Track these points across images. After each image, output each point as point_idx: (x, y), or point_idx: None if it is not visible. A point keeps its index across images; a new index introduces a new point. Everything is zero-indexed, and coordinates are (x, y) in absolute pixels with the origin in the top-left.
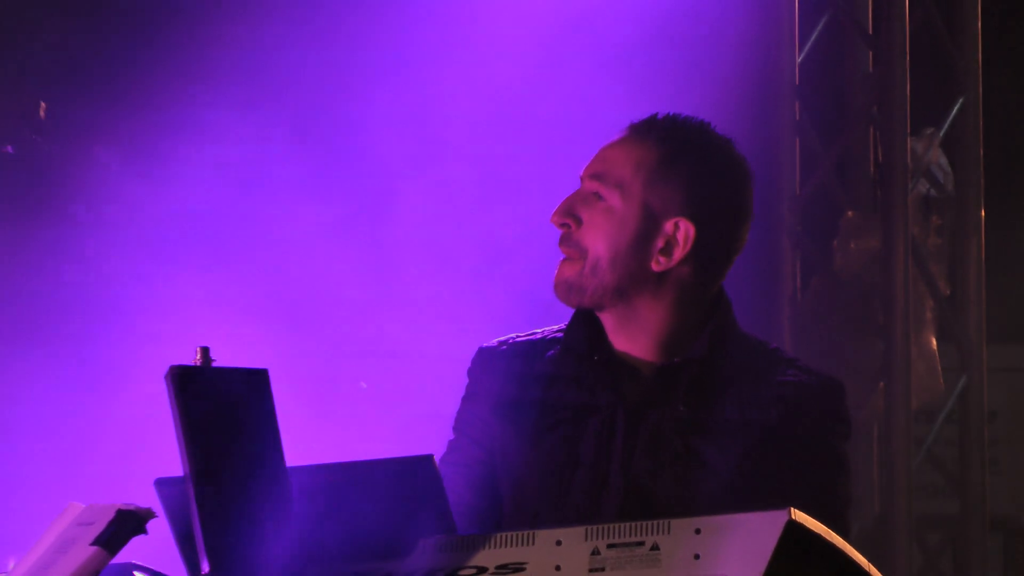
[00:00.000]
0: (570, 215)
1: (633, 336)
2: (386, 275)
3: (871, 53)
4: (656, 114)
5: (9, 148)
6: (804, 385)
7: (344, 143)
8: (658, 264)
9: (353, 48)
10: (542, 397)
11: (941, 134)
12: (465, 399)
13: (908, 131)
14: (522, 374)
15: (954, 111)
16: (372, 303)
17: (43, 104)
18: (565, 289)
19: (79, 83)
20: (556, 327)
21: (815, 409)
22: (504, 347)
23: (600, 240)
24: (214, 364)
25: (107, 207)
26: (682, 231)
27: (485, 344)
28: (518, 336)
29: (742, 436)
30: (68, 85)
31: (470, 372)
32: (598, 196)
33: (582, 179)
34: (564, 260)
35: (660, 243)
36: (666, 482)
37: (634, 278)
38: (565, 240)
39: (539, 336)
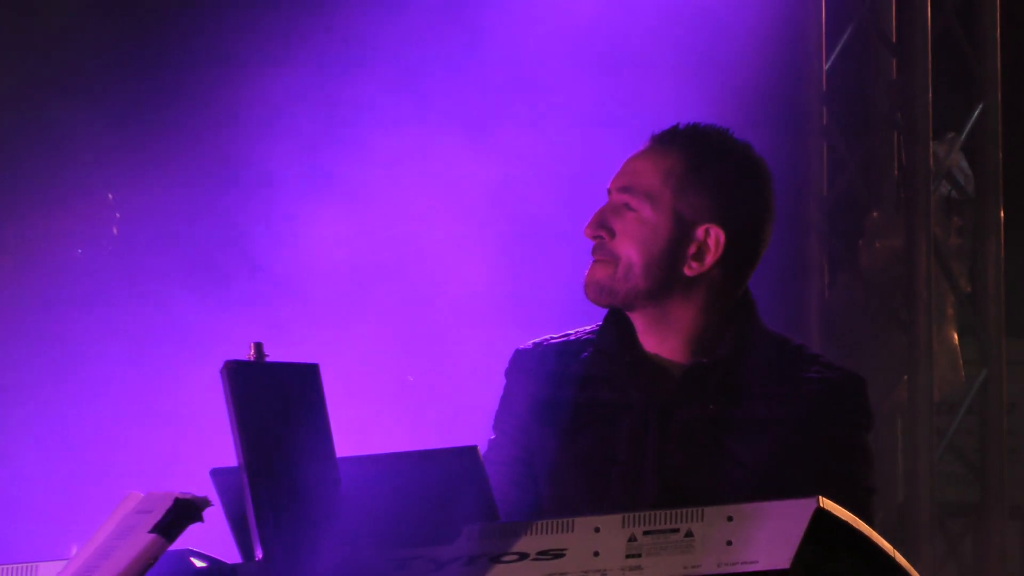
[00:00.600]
0: (603, 227)
1: (663, 337)
2: (433, 273)
3: (895, 61)
4: (678, 124)
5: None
6: (828, 381)
7: (390, 142)
8: (691, 269)
9: (381, 42)
10: (576, 397)
11: (962, 138)
12: (503, 399)
13: (930, 135)
14: (556, 374)
15: (974, 116)
16: (420, 301)
17: None
18: (596, 290)
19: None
20: (588, 328)
21: (838, 404)
22: (538, 349)
23: (633, 248)
24: (267, 359)
25: (164, 210)
26: (713, 236)
27: (521, 346)
28: (551, 338)
29: (769, 431)
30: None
31: (507, 373)
32: (628, 207)
33: (610, 192)
34: (596, 262)
35: (692, 249)
36: (697, 477)
37: (667, 283)
38: (599, 250)
39: (572, 337)
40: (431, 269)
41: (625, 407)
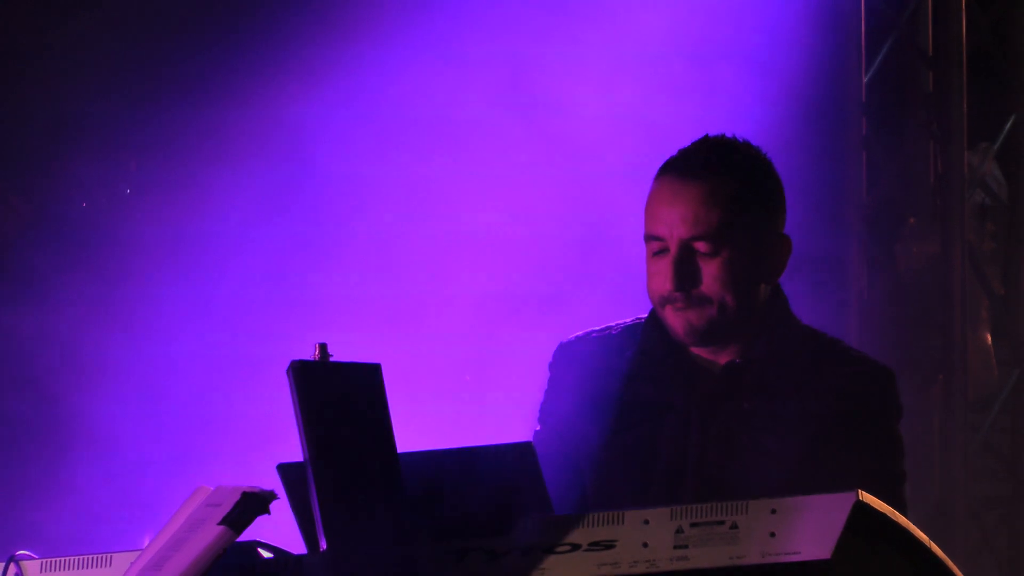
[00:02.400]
0: (688, 280)
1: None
2: (488, 278)
3: (931, 74)
4: (705, 153)
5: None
6: (859, 374)
7: (445, 144)
8: (770, 283)
9: (440, 49)
10: (621, 394)
11: (995, 148)
12: (548, 392)
13: (965, 145)
14: (600, 370)
15: (1007, 127)
16: (476, 304)
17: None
18: (692, 334)
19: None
20: (628, 321)
21: (869, 396)
22: (581, 343)
23: (726, 292)
24: (331, 359)
25: (234, 216)
26: (783, 247)
27: (564, 340)
28: (593, 332)
29: (804, 425)
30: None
31: (551, 367)
32: (703, 254)
33: (664, 237)
34: (687, 308)
35: (769, 267)
36: (736, 472)
37: (753, 306)
38: (686, 299)
39: (615, 332)
40: (482, 270)
41: (668, 407)
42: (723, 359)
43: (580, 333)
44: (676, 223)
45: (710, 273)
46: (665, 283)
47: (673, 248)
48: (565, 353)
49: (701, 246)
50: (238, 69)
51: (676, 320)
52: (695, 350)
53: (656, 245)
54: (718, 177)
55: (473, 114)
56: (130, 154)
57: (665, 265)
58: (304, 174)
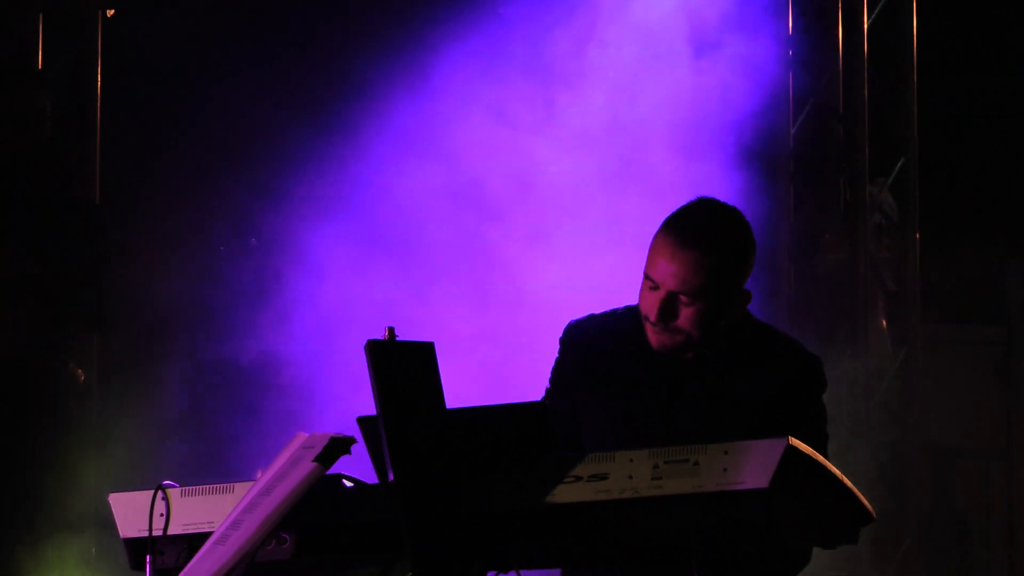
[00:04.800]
0: (668, 317)
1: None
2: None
3: (842, 127)
4: (703, 221)
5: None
6: (797, 360)
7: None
8: (731, 319)
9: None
10: (610, 368)
11: (889, 182)
12: (557, 361)
13: (867, 180)
14: (597, 348)
15: (898, 166)
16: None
17: None
18: (662, 349)
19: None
20: (622, 308)
21: (803, 377)
22: (584, 324)
23: (695, 329)
24: (398, 339)
25: (339, 217)
26: (745, 296)
27: (573, 319)
28: (595, 314)
29: (754, 399)
30: None
31: (561, 340)
32: (684, 303)
33: (657, 283)
34: (663, 332)
35: (731, 310)
36: (700, 433)
37: (714, 335)
38: (664, 329)
39: (610, 317)
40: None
41: (647, 381)
42: (691, 351)
43: (585, 315)
44: (668, 278)
45: (686, 315)
46: (651, 311)
47: (662, 293)
48: (571, 330)
49: (683, 298)
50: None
51: (653, 337)
52: None
53: (651, 283)
54: (707, 249)
55: None
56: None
57: (654, 299)
58: (386, 172)
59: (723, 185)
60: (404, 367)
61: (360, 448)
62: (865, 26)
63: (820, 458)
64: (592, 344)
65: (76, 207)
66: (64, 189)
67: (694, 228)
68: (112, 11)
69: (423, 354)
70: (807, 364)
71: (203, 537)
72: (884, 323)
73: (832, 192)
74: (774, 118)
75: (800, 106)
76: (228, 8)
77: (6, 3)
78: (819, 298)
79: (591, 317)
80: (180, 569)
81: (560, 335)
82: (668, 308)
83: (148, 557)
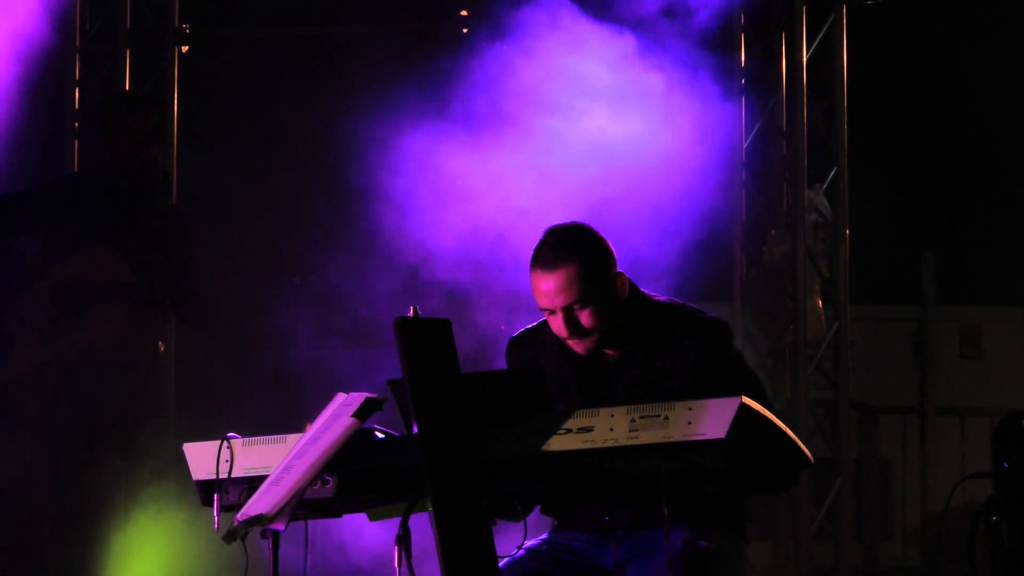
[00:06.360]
0: (575, 328)
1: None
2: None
3: (785, 142)
4: (555, 247)
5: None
6: (705, 330)
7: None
8: (621, 303)
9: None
10: (550, 373)
11: (824, 187)
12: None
13: (806, 185)
14: (536, 356)
15: (832, 174)
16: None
17: None
18: (587, 352)
19: None
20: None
21: (714, 342)
22: (517, 338)
23: (600, 323)
24: (421, 316)
25: (389, 219)
26: (620, 281)
27: (512, 335)
28: (528, 327)
29: (681, 374)
30: None
31: (506, 355)
32: (579, 310)
33: (554, 309)
34: (579, 340)
35: (616, 296)
36: None
37: (617, 317)
38: (578, 339)
39: (546, 324)
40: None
41: (584, 382)
42: (611, 350)
43: (519, 330)
44: (553, 299)
45: (585, 318)
46: (561, 331)
47: (559, 314)
48: (512, 345)
49: (575, 307)
50: None
51: (576, 347)
52: None
53: (548, 312)
54: (567, 262)
55: None
56: None
57: (558, 321)
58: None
59: (687, 193)
60: (426, 339)
61: (390, 406)
62: (804, 59)
63: (767, 412)
64: (532, 353)
65: (164, 213)
66: (152, 198)
67: (550, 252)
68: (187, 47)
69: (442, 329)
70: (712, 328)
71: (261, 479)
72: (820, 303)
73: (777, 195)
74: (728, 134)
75: (751, 125)
76: (285, 44)
77: (102, 40)
78: (767, 282)
79: (526, 331)
80: (242, 505)
81: (503, 351)
82: (571, 321)
83: (216, 495)
